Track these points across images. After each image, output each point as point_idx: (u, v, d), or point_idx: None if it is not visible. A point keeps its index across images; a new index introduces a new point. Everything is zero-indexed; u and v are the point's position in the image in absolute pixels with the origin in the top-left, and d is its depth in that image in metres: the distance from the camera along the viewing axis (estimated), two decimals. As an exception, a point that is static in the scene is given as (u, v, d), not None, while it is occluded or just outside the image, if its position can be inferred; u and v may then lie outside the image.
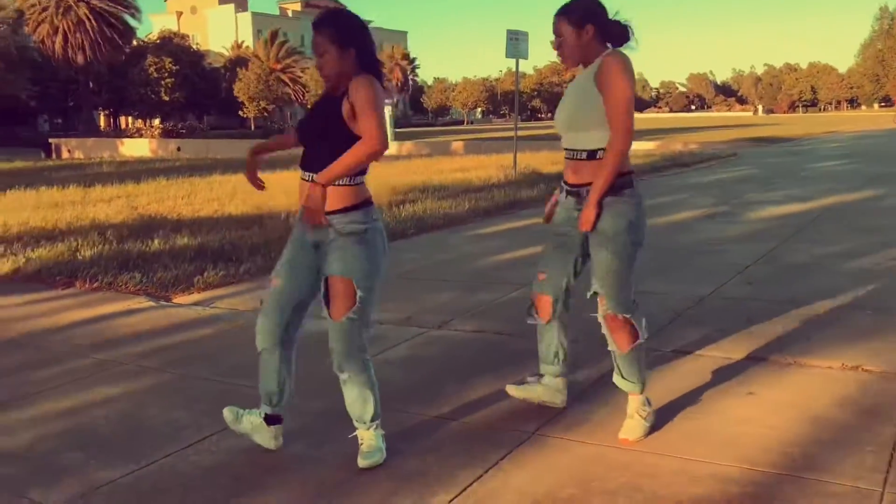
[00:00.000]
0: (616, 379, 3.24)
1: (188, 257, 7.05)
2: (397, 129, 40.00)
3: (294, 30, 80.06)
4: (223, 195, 11.81)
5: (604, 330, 3.21)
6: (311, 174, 2.87)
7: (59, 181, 14.51)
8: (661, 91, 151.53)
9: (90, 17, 44.90)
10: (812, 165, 17.13)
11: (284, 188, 11.76)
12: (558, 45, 3.16)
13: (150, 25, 76.52)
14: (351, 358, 2.93)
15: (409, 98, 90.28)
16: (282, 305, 2.99)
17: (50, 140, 40.30)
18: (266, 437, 3.10)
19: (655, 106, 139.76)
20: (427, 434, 3.27)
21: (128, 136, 45.07)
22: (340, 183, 2.84)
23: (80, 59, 45.31)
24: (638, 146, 24.81)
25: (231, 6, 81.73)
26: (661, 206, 10.21)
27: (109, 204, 11.17)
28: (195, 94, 56.16)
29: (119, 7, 46.47)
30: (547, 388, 3.39)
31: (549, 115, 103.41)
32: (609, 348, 3.22)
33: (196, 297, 6.01)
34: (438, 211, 9.83)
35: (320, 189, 2.79)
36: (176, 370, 4.25)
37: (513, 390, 3.43)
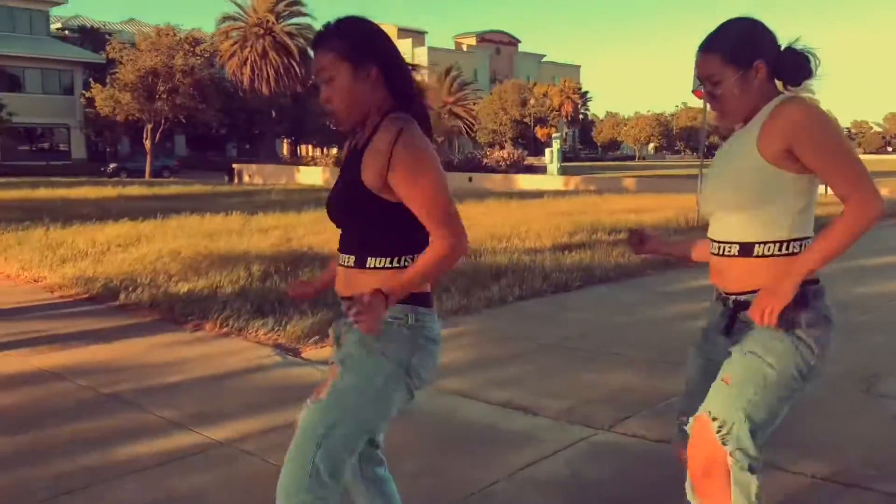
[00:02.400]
0: None
1: (328, 301, 6.35)
2: (564, 164, 38.85)
3: (467, 63, 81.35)
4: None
5: (688, 485, 2.06)
6: (346, 257, 2.02)
7: (227, 207, 14.62)
8: (853, 131, 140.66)
9: (273, 49, 47.40)
10: None
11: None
12: (711, 95, 2.06)
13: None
14: (307, 456, 1.94)
15: (580, 131, 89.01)
16: None
17: (233, 165, 42.56)
18: None
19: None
20: None
21: (304, 164, 46.83)
22: (372, 266, 1.98)
23: (264, 89, 47.85)
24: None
25: (409, 41, 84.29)
26: (889, 266, 8.46)
27: (266, 234, 10.90)
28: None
29: (301, 40, 48.70)
30: None
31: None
32: None
33: (328, 351, 5.25)
34: (609, 260, 8.65)
35: (382, 299, 1.84)
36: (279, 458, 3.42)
37: None
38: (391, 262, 1.97)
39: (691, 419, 2.06)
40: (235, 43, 47.92)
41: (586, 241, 10.03)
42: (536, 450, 3.47)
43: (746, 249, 2.03)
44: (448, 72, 64.07)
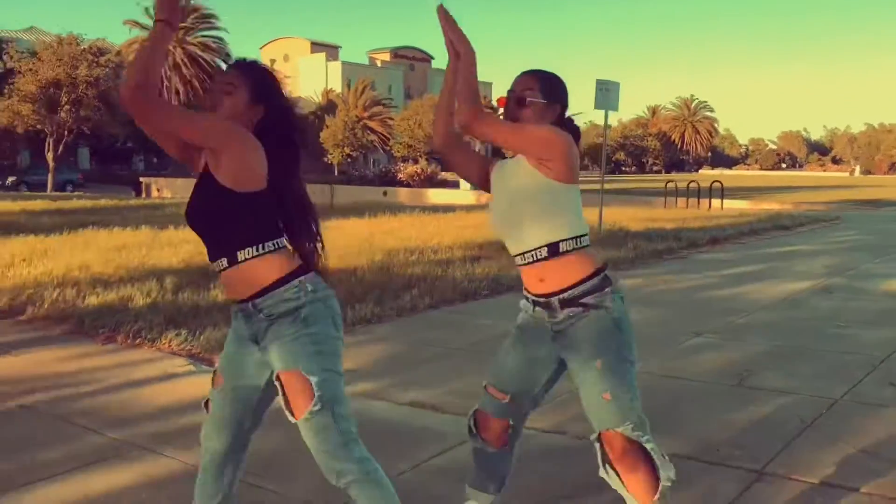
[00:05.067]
0: None
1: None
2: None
3: (382, 79, 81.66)
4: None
5: (602, 472, 2.44)
6: (220, 261, 2.30)
7: (136, 221, 14.39)
8: (751, 148, 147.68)
9: (186, 62, 46.60)
10: (929, 233, 15.62)
11: (355, 237, 11.28)
12: (519, 105, 2.49)
13: (245, 72, 79.07)
14: (339, 456, 2.24)
15: (493, 147, 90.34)
16: (227, 406, 2.43)
17: (141, 179, 41.53)
18: None
19: (744, 163, 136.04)
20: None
21: (215, 178, 46.10)
22: (255, 254, 2.25)
23: (174, 101, 46.97)
24: (729, 204, 23.61)
25: (322, 55, 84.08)
26: (765, 273, 9.17)
27: (176, 248, 10.82)
28: (283, 138, 57.43)
29: (213, 53, 48.05)
30: None
31: (634, 168, 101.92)
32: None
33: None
34: (515, 271, 9.03)
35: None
36: (192, 458, 3.57)
37: None
38: (259, 250, 2.26)
39: (597, 442, 2.43)
40: (143, 54, 46.94)
41: (493, 254, 10.41)
42: (440, 443, 3.74)
43: (553, 249, 2.41)
44: (363, 88, 64.28)
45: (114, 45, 44.26)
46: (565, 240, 2.42)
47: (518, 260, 2.50)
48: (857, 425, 3.95)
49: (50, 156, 37.95)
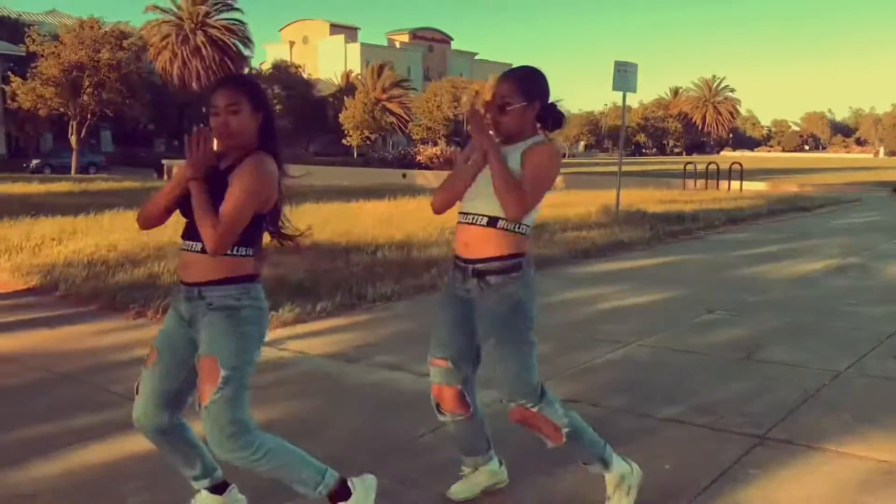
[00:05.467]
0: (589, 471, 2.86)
1: (267, 291, 6.67)
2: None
3: (400, 60, 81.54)
4: (316, 223, 11.54)
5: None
6: (193, 244, 2.52)
7: (160, 203, 14.69)
8: (773, 130, 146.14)
9: (206, 44, 46.87)
10: (949, 214, 15.58)
11: (376, 218, 11.46)
12: (502, 110, 2.73)
13: (265, 54, 79.53)
14: (225, 446, 2.45)
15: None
16: (158, 381, 2.62)
17: (163, 161, 41.93)
18: None
19: (766, 145, 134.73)
20: None
21: (235, 160, 46.49)
22: (230, 253, 2.49)
23: (195, 85, 47.29)
24: (749, 186, 23.55)
25: (342, 37, 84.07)
26: (780, 254, 9.26)
27: (201, 228, 11.09)
28: (302, 121, 57.67)
29: (234, 36, 48.29)
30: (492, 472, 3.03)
31: (655, 149, 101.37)
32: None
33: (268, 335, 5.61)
34: (532, 250, 9.19)
35: None
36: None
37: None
38: (234, 251, 2.49)
39: (510, 407, 2.73)
40: (166, 37, 47.14)
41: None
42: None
43: (492, 221, 2.69)
44: (381, 69, 64.30)
45: (134, 28, 44.63)
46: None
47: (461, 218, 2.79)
48: (858, 395, 4.10)
49: (73, 139, 38.41)
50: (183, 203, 2.57)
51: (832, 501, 2.92)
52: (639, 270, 8.24)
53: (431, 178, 32.96)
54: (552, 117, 2.82)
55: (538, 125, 2.80)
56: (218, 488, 2.77)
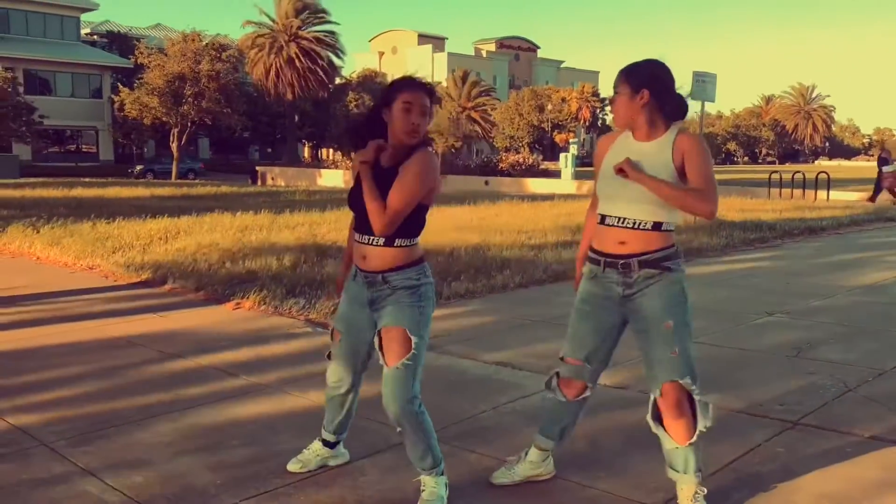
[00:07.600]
0: (669, 473, 2.95)
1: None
2: (580, 168, 39.64)
3: (487, 69, 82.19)
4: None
5: (649, 417, 2.92)
6: (372, 238, 2.92)
7: (255, 206, 15.63)
8: (875, 138, 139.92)
9: (299, 55, 48.61)
10: None
11: (452, 224, 11.99)
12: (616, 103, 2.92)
13: (354, 63, 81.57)
14: (402, 407, 2.91)
15: (598, 136, 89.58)
16: (347, 355, 3.15)
17: (257, 168, 43.74)
18: (329, 457, 3.40)
19: (866, 154, 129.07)
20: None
21: (325, 168, 48.03)
22: (398, 245, 2.90)
23: (288, 94, 49.09)
24: (839, 196, 23.00)
25: (429, 46, 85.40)
26: (852, 263, 9.30)
27: (293, 230, 11.85)
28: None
29: (325, 47, 49.89)
30: (532, 463, 3.23)
31: (747, 158, 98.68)
32: (665, 446, 2.90)
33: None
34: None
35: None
36: (317, 398, 4.36)
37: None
38: (409, 241, 2.93)
39: (658, 390, 2.83)
40: (262, 49, 49.12)
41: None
42: (517, 392, 4.39)
43: (657, 225, 2.85)
44: (466, 77, 65.07)
45: (232, 41, 46.76)
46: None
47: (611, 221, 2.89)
48: (898, 392, 4.33)
49: (174, 146, 40.58)
50: (351, 195, 3.01)
51: (849, 476, 3.21)
52: (706, 275, 8.47)
53: (512, 185, 33.34)
54: (669, 105, 2.83)
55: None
56: (332, 444, 3.37)
